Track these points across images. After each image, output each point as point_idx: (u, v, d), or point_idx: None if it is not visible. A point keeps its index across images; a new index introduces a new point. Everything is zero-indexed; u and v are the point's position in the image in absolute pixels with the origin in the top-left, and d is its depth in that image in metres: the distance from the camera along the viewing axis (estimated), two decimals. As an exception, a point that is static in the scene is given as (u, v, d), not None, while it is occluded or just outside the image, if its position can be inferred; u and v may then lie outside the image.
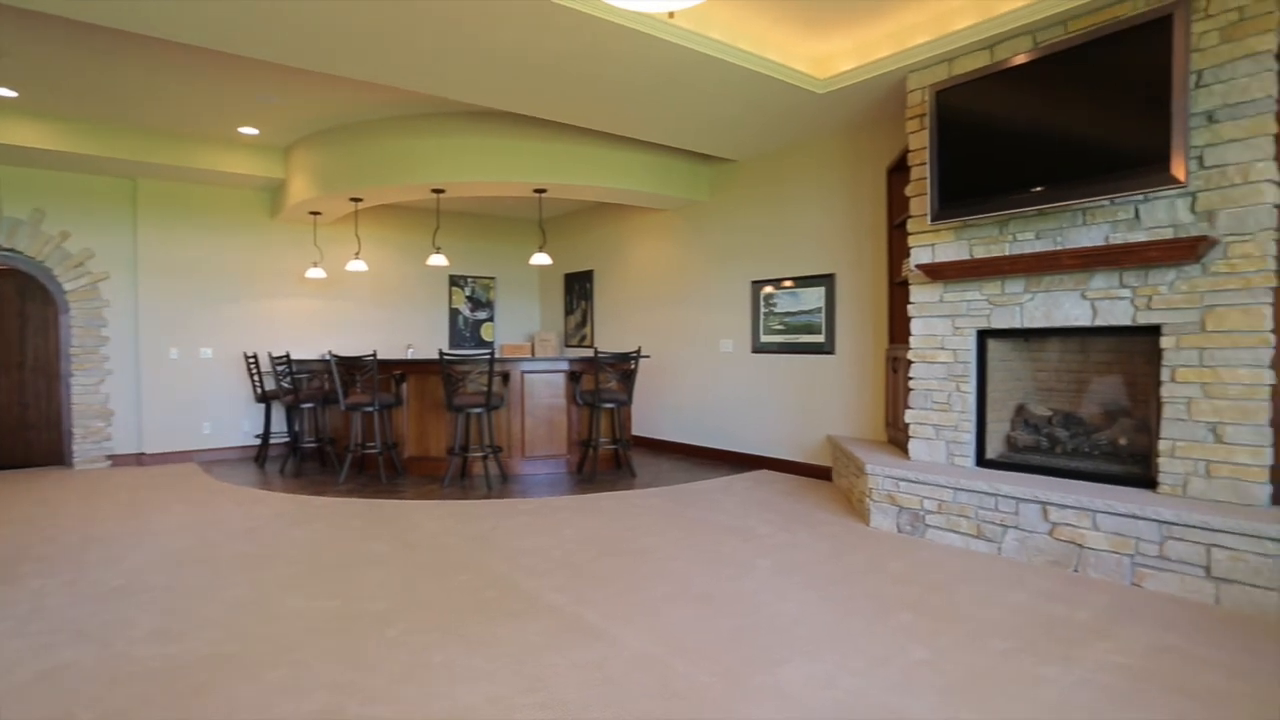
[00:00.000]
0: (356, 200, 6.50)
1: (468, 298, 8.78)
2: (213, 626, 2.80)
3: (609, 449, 6.28)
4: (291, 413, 6.51)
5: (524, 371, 6.13)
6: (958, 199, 3.95)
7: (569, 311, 8.84)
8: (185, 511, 4.81)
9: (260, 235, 7.35)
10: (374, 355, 5.72)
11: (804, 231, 5.91)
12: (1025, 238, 3.83)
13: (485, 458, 5.68)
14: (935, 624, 2.77)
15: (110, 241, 6.69)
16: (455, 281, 8.68)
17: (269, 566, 3.57)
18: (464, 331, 8.77)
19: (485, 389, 5.71)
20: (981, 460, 4.08)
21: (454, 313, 8.68)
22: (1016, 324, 3.88)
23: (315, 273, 7.04)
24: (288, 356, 6.22)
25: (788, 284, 6.03)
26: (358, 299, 8.00)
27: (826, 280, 5.72)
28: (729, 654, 2.51)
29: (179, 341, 6.96)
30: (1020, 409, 4.20)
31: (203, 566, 3.57)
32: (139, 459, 6.79)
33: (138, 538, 4.13)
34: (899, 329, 5.07)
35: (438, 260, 6.38)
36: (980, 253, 4.02)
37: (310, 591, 3.20)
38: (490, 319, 8.98)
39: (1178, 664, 2.41)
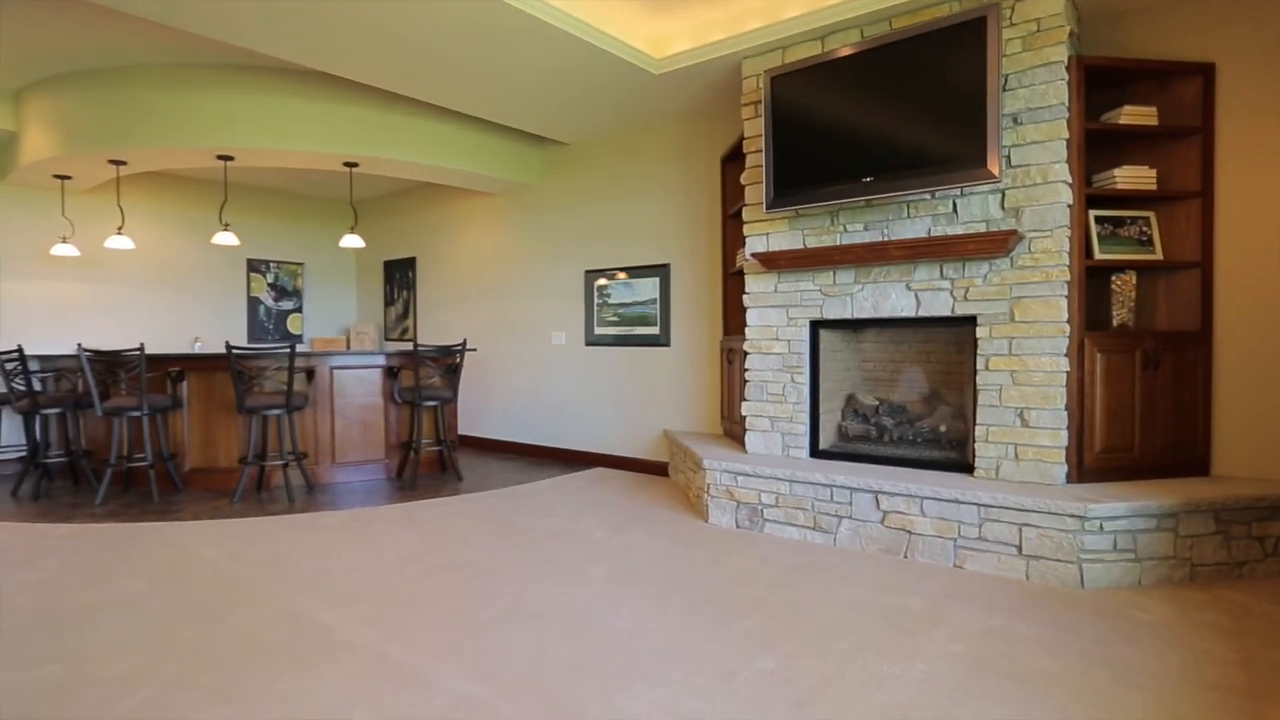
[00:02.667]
0: (118, 163, 5.41)
1: (270, 285, 7.75)
2: None
3: (432, 451, 5.75)
4: (29, 421, 5.30)
5: (334, 367, 5.43)
6: (792, 188, 3.91)
7: (389, 302, 8.09)
8: None
9: (-15, 203, 5.95)
10: (140, 348, 4.77)
11: (639, 220, 5.74)
12: (855, 229, 3.87)
13: (286, 466, 4.94)
14: (779, 626, 2.64)
15: None
16: (255, 266, 7.62)
17: (-32, 623, 2.74)
18: (266, 323, 7.73)
19: (285, 387, 4.95)
20: (816, 451, 4.10)
21: (254, 302, 7.62)
22: (848, 314, 3.92)
23: (64, 249, 5.81)
24: (20, 351, 5.04)
25: (622, 274, 5.84)
26: (128, 283, 6.75)
27: (661, 271, 5.58)
28: (562, 685, 2.20)
29: None
30: (850, 399, 4.29)
31: None
32: None
33: None
34: (733, 320, 5.04)
35: (226, 239, 5.47)
36: (813, 243, 4.02)
37: (24, 656, 2.47)
38: (298, 310, 8.00)
39: (1005, 647, 2.45)
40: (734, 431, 4.77)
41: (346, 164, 5.52)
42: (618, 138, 5.88)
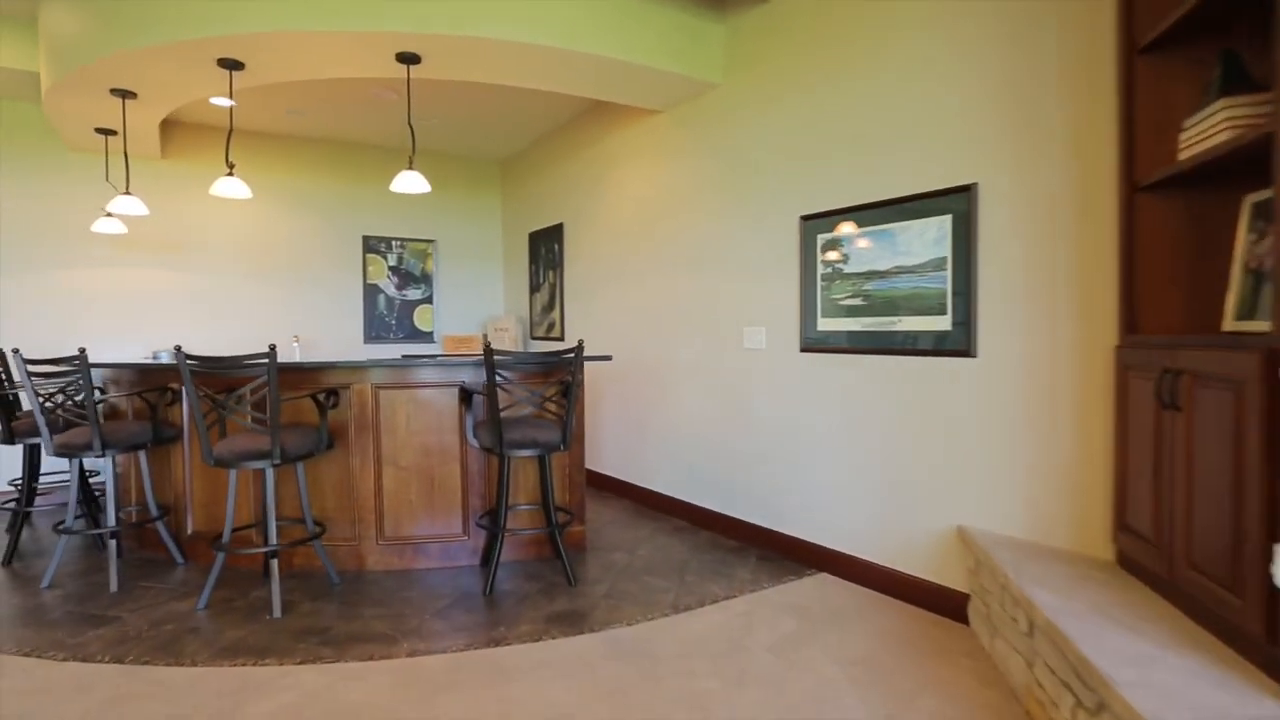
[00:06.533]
0: (125, 95, 3.86)
1: (392, 269, 6.11)
2: None
3: (534, 533, 3.45)
4: (30, 454, 3.93)
5: (378, 386, 3.37)
6: None
7: (534, 288, 6.06)
8: None
9: (54, 173, 4.84)
10: (82, 354, 3.07)
11: (906, 112, 2.94)
12: None
13: (273, 556, 2.93)
14: None
15: None
16: (373, 245, 6.01)
17: None
18: (387, 317, 6.10)
19: (268, 423, 2.92)
20: None
21: (371, 290, 6.02)
22: None
23: (107, 225, 4.46)
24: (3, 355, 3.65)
25: (860, 224, 3.07)
26: (218, 270, 5.41)
27: (955, 201, 2.74)
28: None
29: (-89, 333, 4.52)
30: None
31: None
32: None
33: None
34: (1156, 299, 2.09)
35: (230, 188, 3.63)
36: None
37: None
38: (427, 299, 6.28)
39: None
40: (1163, 574, 1.84)
41: (401, 58, 3.42)
42: (863, -38, 3.12)
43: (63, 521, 3.31)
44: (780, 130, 3.56)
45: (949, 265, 2.76)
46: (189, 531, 3.57)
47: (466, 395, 3.36)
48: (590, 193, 5.23)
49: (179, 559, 3.53)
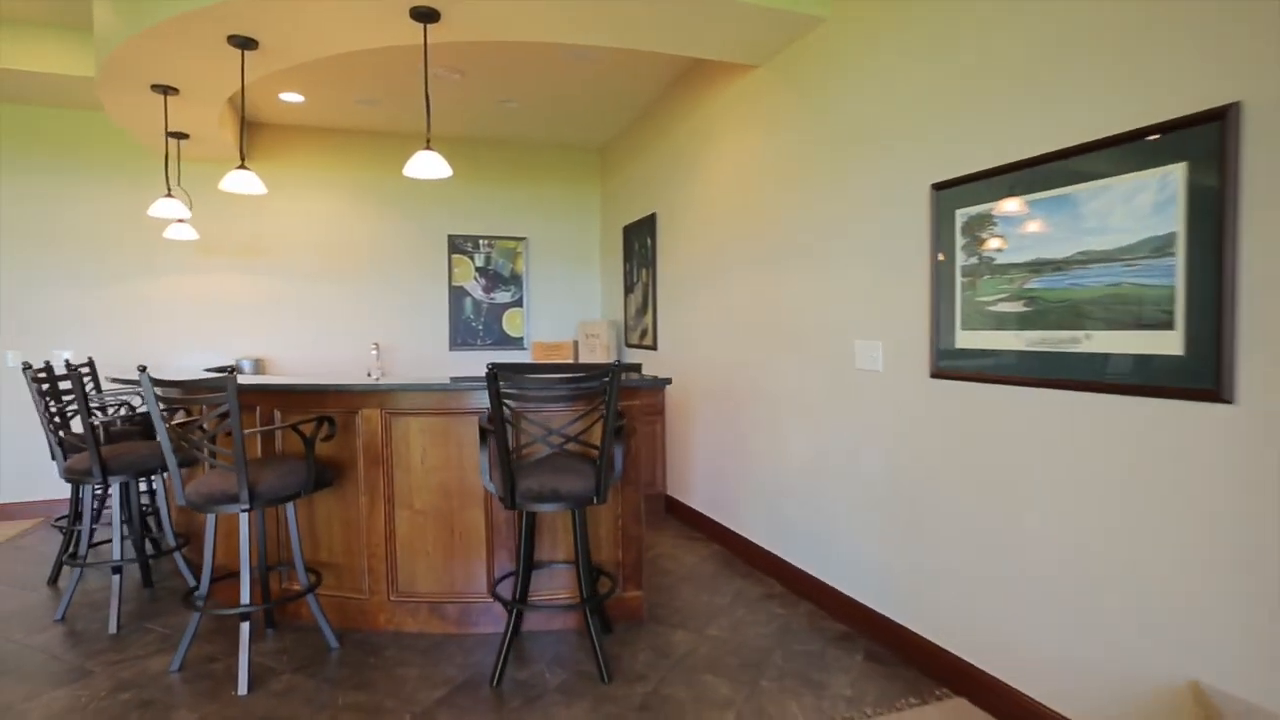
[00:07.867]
0: (165, 90, 3.60)
1: (479, 270, 5.65)
2: None
3: (560, 609, 2.73)
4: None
5: (389, 412, 2.80)
6: None
7: (628, 289, 5.34)
8: None
9: (133, 178, 4.83)
10: (76, 370, 2.76)
11: (1104, 14, 1.87)
12: None
13: (253, 617, 2.43)
14: None
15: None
16: (459, 245, 5.58)
17: None
18: (474, 323, 5.65)
19: (241, 457, 2.41)
20: None
21: (457, 294, 5.60)
22: None
23: (180, 232, 4.30)
24: (36, 369, 3.50)
25: (1035, 182, 2.02)
26: (298, 274, 5.21)
27: (1195, 137, 1.65)
28: None
29: (23, 343, 4.65)
30: None
31: None
32: (-45, 516, 4.60)
33: None
34: None
35: (240, 182, 3.18)
36: None
37: None
38: (517, 303, 5.76)
39: None
40: None
41: (416, 15, 2.80)
42: None
43: (75, 551, 3.06)
44: (904, 67, 2.56)
45: (1179, 247, 1.68)
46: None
47: (483, 430, 2.70)
48: (684, 177, 4.42)
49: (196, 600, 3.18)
